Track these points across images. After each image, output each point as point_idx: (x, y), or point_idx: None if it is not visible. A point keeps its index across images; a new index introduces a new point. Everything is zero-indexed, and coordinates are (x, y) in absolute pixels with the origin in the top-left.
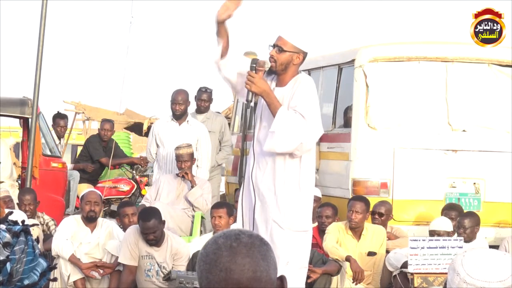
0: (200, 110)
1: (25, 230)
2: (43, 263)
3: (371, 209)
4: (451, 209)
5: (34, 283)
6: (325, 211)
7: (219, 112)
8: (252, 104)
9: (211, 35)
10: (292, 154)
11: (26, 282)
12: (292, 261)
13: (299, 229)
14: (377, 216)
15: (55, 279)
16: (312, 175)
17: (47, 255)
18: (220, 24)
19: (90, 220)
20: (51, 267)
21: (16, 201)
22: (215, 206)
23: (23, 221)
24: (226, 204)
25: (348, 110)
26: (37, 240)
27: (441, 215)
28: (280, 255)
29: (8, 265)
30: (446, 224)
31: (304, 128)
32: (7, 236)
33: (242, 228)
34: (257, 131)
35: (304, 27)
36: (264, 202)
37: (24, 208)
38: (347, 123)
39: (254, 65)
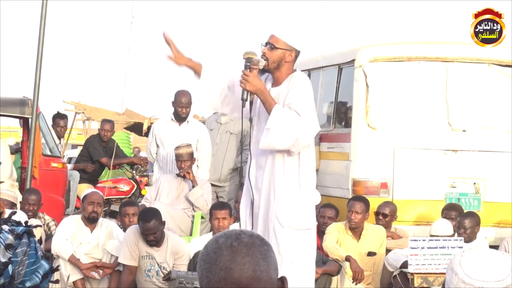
0: None
1: (28, 231)
2: (45, 265)
3: (375, 209)
4: (451, 209)
5: (36, 285)
6: (327, 212)
7: None
8: (247, 102)
9: (211, 35)
10: (290, 152)
11: (28, 284)
12: (296, 260)
13: (301, 227)
14: (381, 217)
15: (56, 281)
16: (312, 174)
17: (49, 256)
18: (187, 64)
19: (91, 220)
20: (53, 269)
21: (19, 200)
22: (218, 208)
23: (26, 222)
24: (227, 205)
25: (348, 110)
26: (40, 240)
27: (441, 215)
28: (283, 255)
29: (10, 267)
30: (447, 228)
31: (300, 125)
32: (10, 238)
33: (243, 228)
34: (255, 132)
35: (304, 27)
36: (264, 201)
37: (27, 208)
38: (347, 123)
39: (249, 64)
